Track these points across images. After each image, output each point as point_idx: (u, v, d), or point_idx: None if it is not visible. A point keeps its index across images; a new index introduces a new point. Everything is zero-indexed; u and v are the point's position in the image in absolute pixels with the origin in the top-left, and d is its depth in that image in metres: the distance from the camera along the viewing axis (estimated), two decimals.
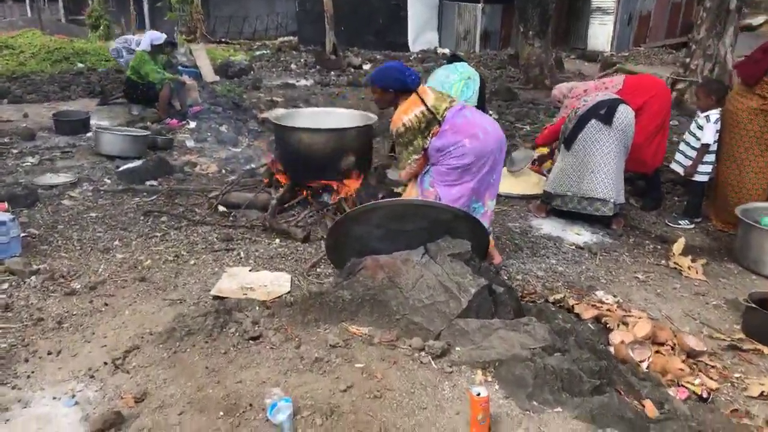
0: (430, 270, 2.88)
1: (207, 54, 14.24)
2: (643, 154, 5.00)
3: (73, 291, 3.41)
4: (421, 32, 20.45)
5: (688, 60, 8.79)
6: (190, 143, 6.89)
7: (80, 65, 13.25)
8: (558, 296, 3.43)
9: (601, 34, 20.21)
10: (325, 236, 4.06)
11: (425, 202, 3.18)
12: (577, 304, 3.38)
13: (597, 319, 3.27)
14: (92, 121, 7.36)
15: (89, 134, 6.69)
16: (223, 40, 23.97)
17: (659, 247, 4.50)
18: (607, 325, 3.19)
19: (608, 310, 3.42)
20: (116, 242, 4.09)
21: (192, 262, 3.86)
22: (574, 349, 2.58)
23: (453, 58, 6.57)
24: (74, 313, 3.18)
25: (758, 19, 21.80)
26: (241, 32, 26.05)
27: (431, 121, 3.41)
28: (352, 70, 15.53)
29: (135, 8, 24.07)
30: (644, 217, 5.14)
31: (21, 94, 8.73)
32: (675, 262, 4.15)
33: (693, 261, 4.19)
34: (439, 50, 19.82)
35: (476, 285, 2.80)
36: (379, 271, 2.94)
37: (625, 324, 3.22)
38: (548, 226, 4.77)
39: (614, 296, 3.66)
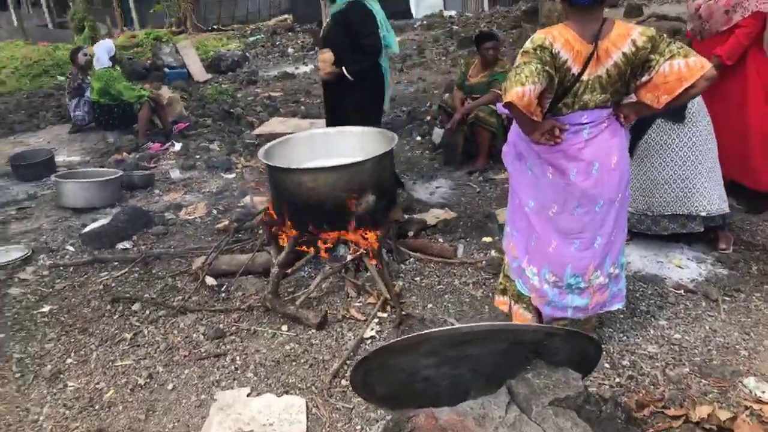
0: None
1: (196, 49, 13.10)
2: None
3: None
4: None
5: None
6: (174, 173, 5.80)
7: (60, 78, 12.20)
8: (705, 410, 2.31)
9: None
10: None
11: (503, 327, 2.06)
12: (731, 419, 2.26)
13: None
14: (60, 158, 6.31)
15: (57, 174, 5.63)
16: (215, 27, 22.69)
17: None
18: None
19: None
20: (70, 359, 3.04)
21: (170, 385, 2.79)
22: None
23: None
24: None
25: None
26: (233, 17, 24.67)
27: (551, 76, 2.20)
28: None
29: (119, 4, 22.81)
30: (755, 224, 3.96)
31: None
32: None
33: None
34: (445, 13, 18.34)
35: None
36: None
37: None
38: (637, 258, 3.61)
39: None
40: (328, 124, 4.64)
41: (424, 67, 11.20)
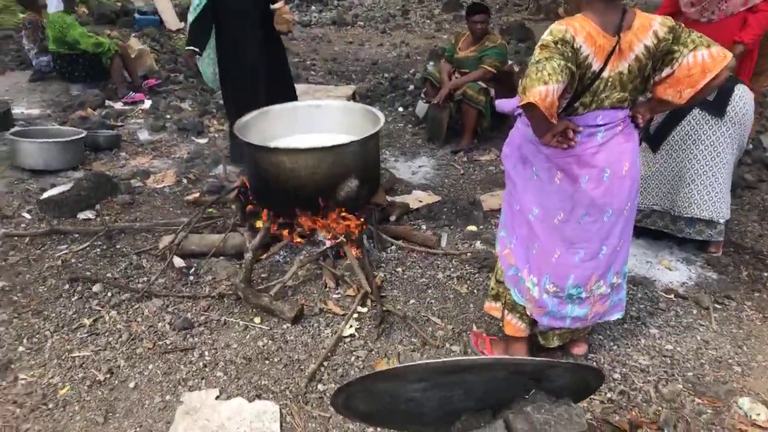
0: None
1: None
2: None
3: None
4: None
5: None
6: (143, 135, 5.46)
7: (21, 16, 11.46)
8: None
9: None
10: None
11: (504, 360, 1.89)
12: None
13: None
14: (17, 109, 5.89)
15: (13, 131, 5.22)
16: None
17: None
18: None
19: None
20: (22, 347, 2.80)
21: (132, 383, 2.59)
22: None
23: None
24: None
25: None
26: None
27: (573, 73, 1.98)
28: (335, 2, 13.73)
29: None
30: (743, 224, 3.87)
31: None
32: None
33: None
34: None
35: None
36: None
37: None
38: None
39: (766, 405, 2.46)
40: (249, 82, 4.41)
41: (407, 30, 10.83)
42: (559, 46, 1.94)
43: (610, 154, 2.18)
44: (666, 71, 2.11)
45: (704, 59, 2.04)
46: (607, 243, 2.31)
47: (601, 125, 2.15)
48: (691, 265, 3.44)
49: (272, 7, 4.40)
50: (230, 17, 4.23)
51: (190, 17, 4.24)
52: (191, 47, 4.32)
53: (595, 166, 2.17)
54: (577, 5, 2.15)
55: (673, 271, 3.39)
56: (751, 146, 4.87)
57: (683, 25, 2.13)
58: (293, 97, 4.55)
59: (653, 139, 3.37)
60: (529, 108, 1.91)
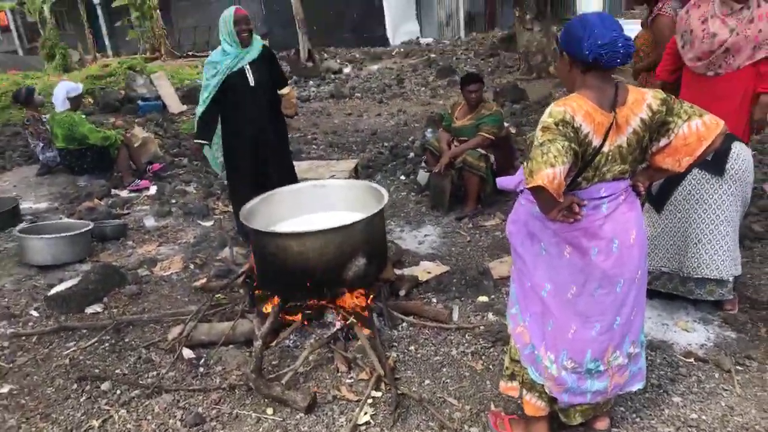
0: None
1: (170, 78, 12.83)
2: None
3: None
4: (400, 23, 18.99)
5: None
6: (149, 221, 5.51)
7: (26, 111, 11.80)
8: None
9: None
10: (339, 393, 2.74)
11: None
12: None
13: None
14: (25, 204, 5.97)
15: (20, 227, 5.28)
16: (190, 53, 22.37)
17: None
18: None
19: None
20: None
21: None
22: None
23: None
24: None
25: None
26: (208, 42, 24.39)
27: (577, 153, 2.02)
28: (332, 76, 14.12)
29: (91, 31, 22.40)
30: (756, 277, 3.81)
31: None
32: None
33: None
34: (422, 41, 18.36)
35: None
36: None
37: None
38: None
39: None
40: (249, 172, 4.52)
41: (403, 98, 11.09)
42: (560, 127, 1.98)
43: (616, 224, 2.19)
44: (663, 141, 2.16)
45: (698, 128, 2.10)
46: (621, 313, 2.28)
47: (604, 197, 2.16)
48: (708, 325, 3.38)
49: (280, 92, 4.53)
50: (239, 104, 4.33)
51: (199, 110, 4.37)
52: (199, 141, 4.47)
53: (603, 238, 2.17)
54: (569, 86, 2.20)
55: (690, 333, 3.32)
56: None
57: (673, 96, 2.19)
58: (294, 180, 4.62)
59: (656, 199, 3.38)
60: (538, 190, 1.94)
